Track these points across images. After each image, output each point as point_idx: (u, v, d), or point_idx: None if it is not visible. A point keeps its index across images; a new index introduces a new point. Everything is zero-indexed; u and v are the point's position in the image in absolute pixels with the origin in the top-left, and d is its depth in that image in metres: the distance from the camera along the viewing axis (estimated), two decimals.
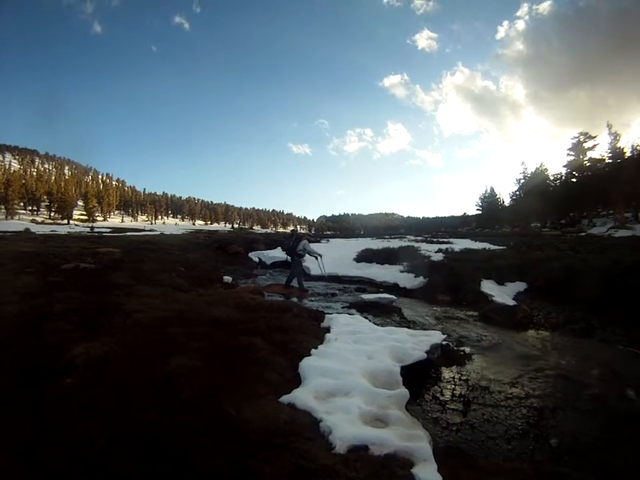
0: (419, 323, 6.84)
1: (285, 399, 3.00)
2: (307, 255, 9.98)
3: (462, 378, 4.50)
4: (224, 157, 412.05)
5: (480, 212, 62.02)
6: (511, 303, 8.58)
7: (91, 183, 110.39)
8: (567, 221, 44.14)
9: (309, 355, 3.94)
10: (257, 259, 16.47)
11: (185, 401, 2.77)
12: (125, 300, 5.55)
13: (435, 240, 25.62)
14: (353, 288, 10.28)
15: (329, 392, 3.18)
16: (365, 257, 14.52)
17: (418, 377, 4.24)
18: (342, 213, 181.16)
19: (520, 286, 10.06)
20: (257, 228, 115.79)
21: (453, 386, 4.27)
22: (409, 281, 10.48)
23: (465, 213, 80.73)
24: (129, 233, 29.40)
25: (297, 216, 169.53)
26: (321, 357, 3.88)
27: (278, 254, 16.64)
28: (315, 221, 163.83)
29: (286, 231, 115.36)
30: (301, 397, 3.02)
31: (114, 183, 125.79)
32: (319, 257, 10.17)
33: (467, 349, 5.41)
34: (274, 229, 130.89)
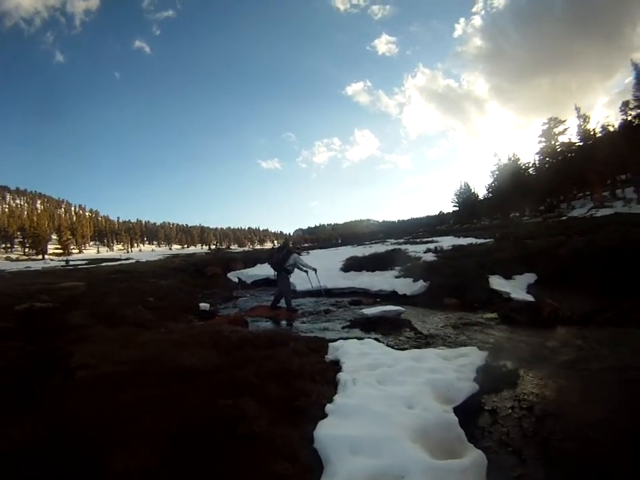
0: (437, 336, 5.74)
1: None
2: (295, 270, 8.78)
3: (522, 406, 3.39)
4: (196, 179, 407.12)
5: (457, 208, 62.05)
6: (528, 298, 7.69)
7: (64, 215, 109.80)
8: (545, 207, 44.40)
9: (324, 415, 2.75)
10: (236, 279, 15.19)
11: None
12: (75, 348, 4.33)
13: (418, 240, 25.01)
14: (347, 301, 9.12)
15: None
16: (353, 265, 13.40)
17: (469, 416, 3.11)
18: (318, 224, 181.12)
19: (529, 278, 9.26)
20: (235, 247, 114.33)
21: (518, 421, 3.15)
22: (407, 286, 9.42)
23: (441, 212, 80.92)
24: (104, 264, 28.04)
25: (273, 231, 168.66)
26: (342, 416, 2.69)
27: (258, 272, 15.50)
28: (292, 234, 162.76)
29: (263, 247, 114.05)
30: None
31: (87, 213, 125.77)
32: (309, 272, 8.96)
33: (508, 364, 4.33)
34: (251, 246, 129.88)
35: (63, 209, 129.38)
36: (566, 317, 6.35)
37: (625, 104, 41.33)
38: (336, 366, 3.84)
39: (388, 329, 6.02)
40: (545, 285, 8.60)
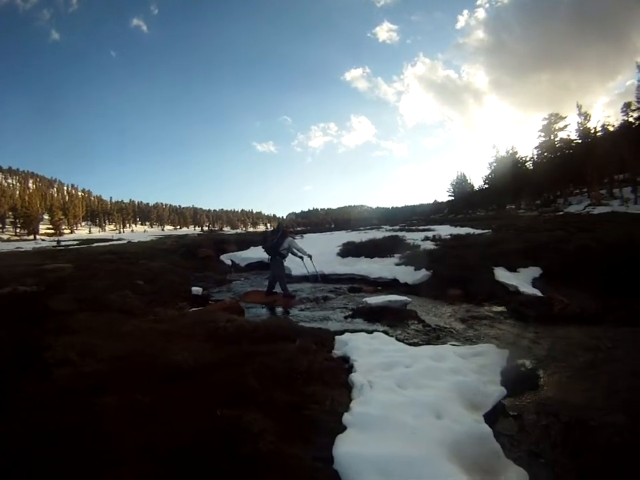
0: (447, 330, 5.38)
1: None
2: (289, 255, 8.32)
3: (548, 412, 3.05)
4: (189, 160, 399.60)
5: (452, 198, 61.73)
6: (536, 292, 7.40)
7: (56, 195, 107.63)
8: (542, 201, 44.30)
9: (342, 427, 2.33)
10: (229, 262, 14.74)
11: None
12: (54, 340, 3.81)
13: (414, 228, 24.68)
14: (346, 288, 8.73)
15: None
16: (350, 250, 12.96)
17: (496, 423, 2.77)
18: (311, 209, 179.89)
19: (534, 272, 8.91)
20: (227, 229, 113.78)
21: (545, 429, 2.83)
22: (409, 275, 9.03)
23: (435, 200, 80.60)
24: (95, 244, 27.48)
25: (266, 214, 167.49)
26: (363, 429, 2.28)
27: (252, 254, 15.04)
28: (285, 217, 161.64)
29: (256, 230, 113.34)
30: None
31: (80, 193, 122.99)
32: (304, 258, 8.49)
33: (527, 362, 3.98)
34: (244, 228, 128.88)
35: (55, 189, 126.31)
36: (576, 314, 6.02)
37: (627, 105, 41.34)
38: (346, 364, 3.45)
39: (393, 320, 5.63)
40: (550, 279, 8.25)
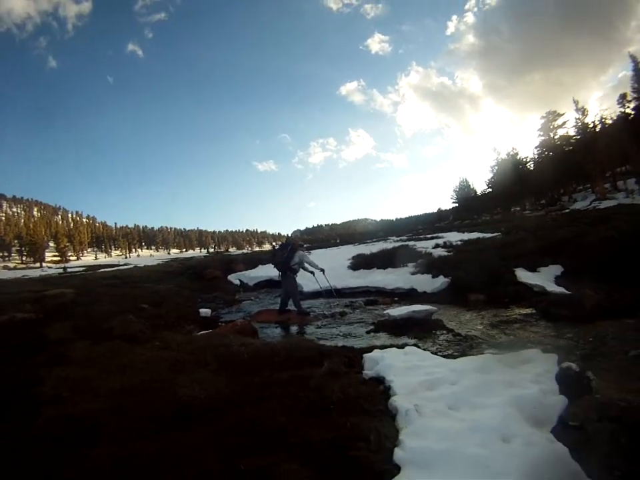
0: (479, 338, 4.96)
1: None
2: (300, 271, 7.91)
3: (611, 416, 2.60)
4: (192, 183, 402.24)
5: (456, 204, 61.30)
6: (562, 290, 6.96)
7: (61, 222, 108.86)
8: (547, 201, 43.82)
9: (396, 468, 1.89)
10: (237, 282, 14.30)
11: None
12: (46, 373, 3.41)
13: (421, 237, 24.33)
14: (362, 302, 8.29)
15: None
16: (361, 263, 12.55)
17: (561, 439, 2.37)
18: (316, 225, 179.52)
19: (555, 270, 8.48)
20: (233, 250, 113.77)
21: (611, 437, 2.40)
22: (427, 283, 8.60)
23: (439, 208, 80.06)
24: (100, 270, 27.22)
25: (270, 233, 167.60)
26: (422, 468, 1.85)
27: (260, 273, 14.65)
28: (290, 235, 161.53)
29: (262, 249, 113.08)
30: None
31: (84, 220, 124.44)
32: (316, 272, 8.08)
33: (575, 365, 3.56)
34: (250, 248, 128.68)
35: (60, 216, 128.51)
36: (608, 309, 5.63)
37: (623, 96, 40.86)
38: (380, 385, 3.01)
39: (420, 332, 5.20)
40: (574, 276, 7.78)
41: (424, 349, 4.10)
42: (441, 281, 8.34)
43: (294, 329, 6.66)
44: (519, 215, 39.52)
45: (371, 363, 3.45)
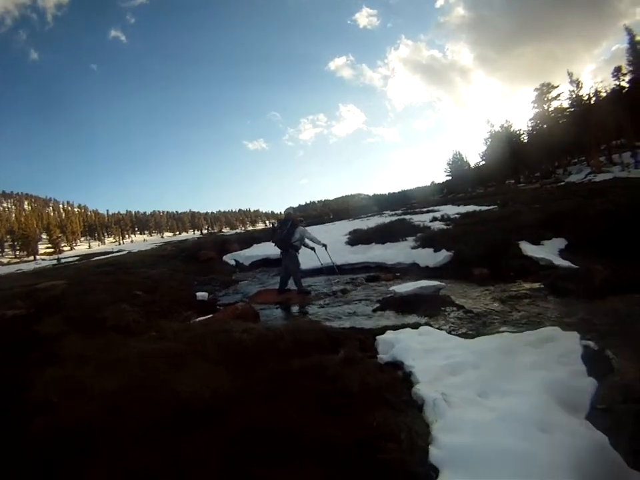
0: (491, 314, 4.76)
1: None
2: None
3: (635, 398, 2.52)
4: (182, 165, 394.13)
5: (450, 177, 60.76)
6: (568, 264, 6.73)
7: (52, 213, 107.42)
8: (541, 174, 43.58)
9: (434, 470, 1.66)
10: (233, 262, 13.96)
11: None
12: (37, 374, 3.07)
13: (417, 211, 24.17)
14: (363, 278, 8.06)
15: None
16: (359, 238, 12.29)
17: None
18: (308, 202, 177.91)
19: (558, 243, 8.32)
20: (226, 230, 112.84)
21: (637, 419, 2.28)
22: (429, 258, 8.36)
23: (433, 182, 79.22)
24: (94, 258, 26.89)
25: (264, 212, 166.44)
26: (462, 468, 1.63)
27: (256, 252, 14.38)
28: (283, 213, 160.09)
29: (255, 228, 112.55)
30: None
31: (76, 209, 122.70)
32: (317, 248, 7.80)
33: (593, 343, 3.38)
34: (243, 228, 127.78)
35: (51, 208, 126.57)
36: (615, 284, 5.42)
37: (618, 69, 40.27)
38: (398, 370, 2.78)
39: (429, 309, 4.97)
40: (577, 249, 7.69)
41: (437, 328, 3.87)
42: (443, 255, 8.11)
43: (295, 309, 6.43)
44: (513, 188, 39.29)
45: (385, 345, 3.22)
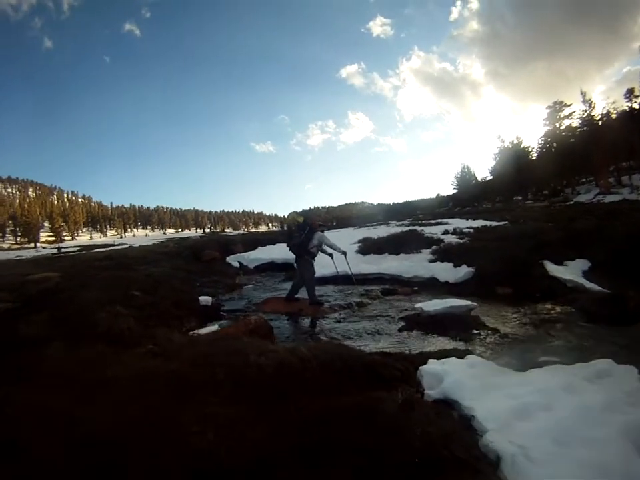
0: (526, 340, 4.36)
1: None
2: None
3: None
4: (189, 163, 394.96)
5: (456, 191, 60.28)
6: (594, 287, 6.38)
7: (56, 202, 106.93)
8: (550, 192, 43.16)
9: None
10: (236, 264, 13.40)
11: None
12: (3, 397, 2.45)
13: (425, 222, 23.53)
14: (379, 291, 7.54)
15: None
16: (370, 247, 11.69)
17: None
18: (312, 207, 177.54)
19: (582, 264, 7.83)
20: (229, 230, 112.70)
21: None
22: (449, 272, 7.85)
23: (438, 194, 79.06)
24: (94, 250, 26.40)
25: (267, 214, 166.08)
26: None
27: (261, 255, 13.86)
28: (286, 217, 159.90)
29: (258, 230, 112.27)
30: None
31: (80, 200, 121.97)
32: (335, 255, 7.26)
33: None
34: (246, 229, 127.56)
35: (55, 196, 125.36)
36: None
37: (630, 91, 40.19)
38: (453, 411, 2.29)
39: (462, 332, 4.48)
40: (601, 272, 7.21)
41: (479, 355, 3.34)
42: (464, 271, 7.59)
43: (307, 322, 5.89)
44: (521, 205, 38.84)
45: (431, 378, 2.69)
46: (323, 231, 7.17)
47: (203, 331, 4.23)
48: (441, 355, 3.28)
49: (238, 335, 3.67)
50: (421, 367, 2.85)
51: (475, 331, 4.59)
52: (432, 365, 2.85)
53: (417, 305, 5.23)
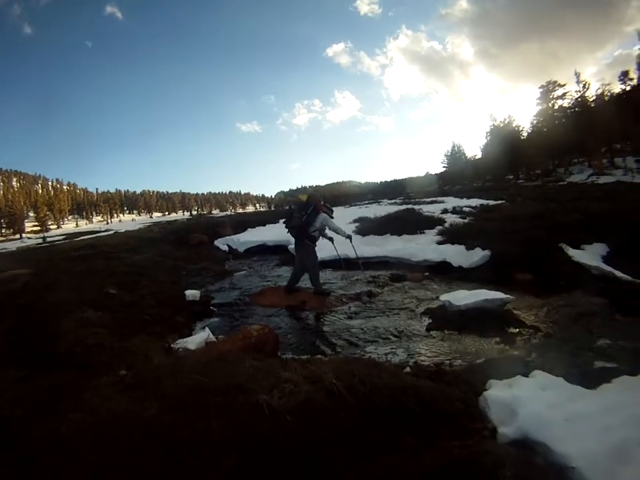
0: (571, 340, 3.71)
1: None
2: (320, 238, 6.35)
3: None
4: (174, 145, 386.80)
5: (446, 169, 59.53)
6: (627, 277, 5.65)
7: (41, 191, 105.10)
8: (542, 171, 42.82)
9: None
10: (225, 247, 12.55)
11: None
12: None
13: (420, 201, 23.09)
14: (386, 276, 6.84)
15: None
16: (369, 228, 10.85)
17: None
18: (299, 187, 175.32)
19: (600, 249, 7.15)
20: (216, 212, 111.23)
21: None
22: (462, 256, 7.11)
23: (427, 173, 78.24)
24: (80, 238, 25.29)
25: (254, 194, 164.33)
26: None
27: (251, 237, 13.02)
28: (273, 197, 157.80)
29: (245, 211, 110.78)
30: None
31: (65, 187, 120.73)
32: (337, 238, 6.52)
33: None
34: (233, 210, 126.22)
35: (40, 185, 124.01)
36: None
37: (625, 74, 39.87)
38: (536, 456, 1.62)
39: (500, 332, 3.80)
40: (622, 258, 6.62)
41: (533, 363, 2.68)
42: (479, 255, 6.86)
43: (312, 317, 5.17)
44: (513, 184, 38.43)
45: (499, 409, 1.94)
46: (328, 213, 6.36)
47: (191, 341, 3.34)
48: (499, 370, 2.53)
49: (235, 351, 2.85)
50: (484, 393, 2.11)
51: (514, 330, 3.94)
52: (498, 391, 2.11)
53: (443, 298, 4.47)
